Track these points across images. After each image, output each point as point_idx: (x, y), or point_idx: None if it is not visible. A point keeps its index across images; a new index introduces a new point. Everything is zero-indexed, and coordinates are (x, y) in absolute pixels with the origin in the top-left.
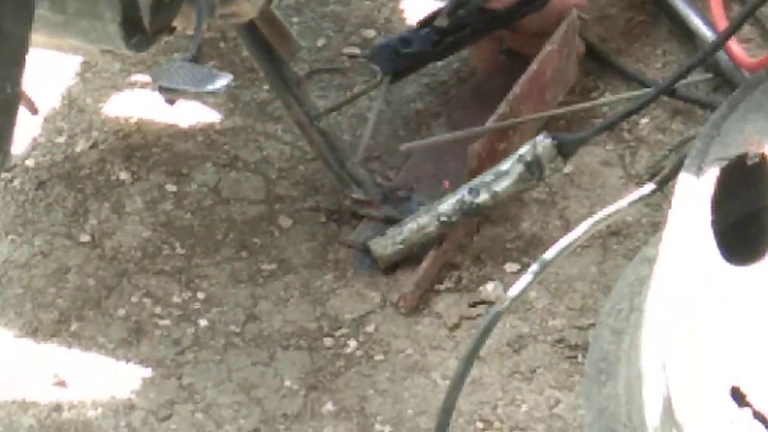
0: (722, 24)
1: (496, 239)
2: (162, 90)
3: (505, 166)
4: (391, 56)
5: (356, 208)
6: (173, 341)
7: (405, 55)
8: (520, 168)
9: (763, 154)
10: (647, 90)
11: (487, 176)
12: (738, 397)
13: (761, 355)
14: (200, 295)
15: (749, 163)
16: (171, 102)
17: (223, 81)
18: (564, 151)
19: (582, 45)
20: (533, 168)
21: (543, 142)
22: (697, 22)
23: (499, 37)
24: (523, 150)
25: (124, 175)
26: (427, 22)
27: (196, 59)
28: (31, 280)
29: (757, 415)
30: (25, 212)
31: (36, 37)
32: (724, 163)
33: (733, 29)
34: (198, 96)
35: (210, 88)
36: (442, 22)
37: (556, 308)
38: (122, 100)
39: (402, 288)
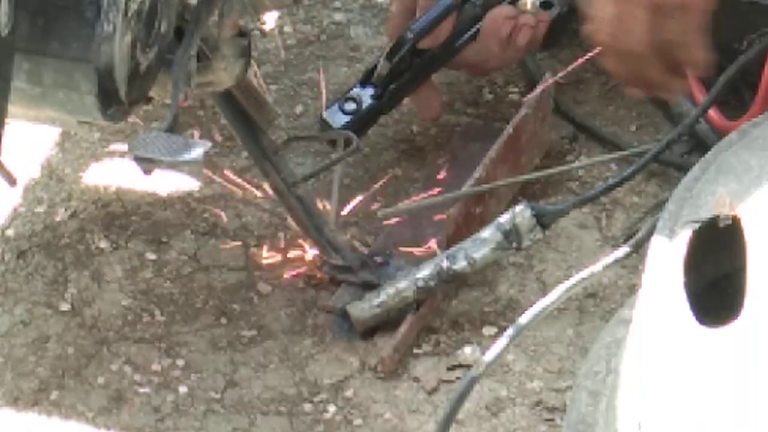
0: (697, 86)
1: (473, 303)
2: (138, 160)
3: (484, 233)
4: (340, 119)
5: (334, 273)
6: (153, 408)
7: (352, 114)
8: (498, 237)
9: (734, 217)
10: (623, 153)
11: (465, 243)
12: None
13: (736, 417)
14: (180, 362)
15: (721, 225)
16: (147, 172)
17: (199, 150)
18: (543, 222)
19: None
20: (512, 237)
21: (522, 213)
22: None
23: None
24: (503, 219)
25: (103, 244)
26: (367, 76)
27: (172, 129)
28: (12, 349)
29: None
30: (6, 282)
31: (13, 108)
32: (697, 226)
33: (713, 99)
34: (174, 165)
35: (186, 157)
36: (383, 70)
37: (534, 371)
38: (101, 170)
39: (380, 352)
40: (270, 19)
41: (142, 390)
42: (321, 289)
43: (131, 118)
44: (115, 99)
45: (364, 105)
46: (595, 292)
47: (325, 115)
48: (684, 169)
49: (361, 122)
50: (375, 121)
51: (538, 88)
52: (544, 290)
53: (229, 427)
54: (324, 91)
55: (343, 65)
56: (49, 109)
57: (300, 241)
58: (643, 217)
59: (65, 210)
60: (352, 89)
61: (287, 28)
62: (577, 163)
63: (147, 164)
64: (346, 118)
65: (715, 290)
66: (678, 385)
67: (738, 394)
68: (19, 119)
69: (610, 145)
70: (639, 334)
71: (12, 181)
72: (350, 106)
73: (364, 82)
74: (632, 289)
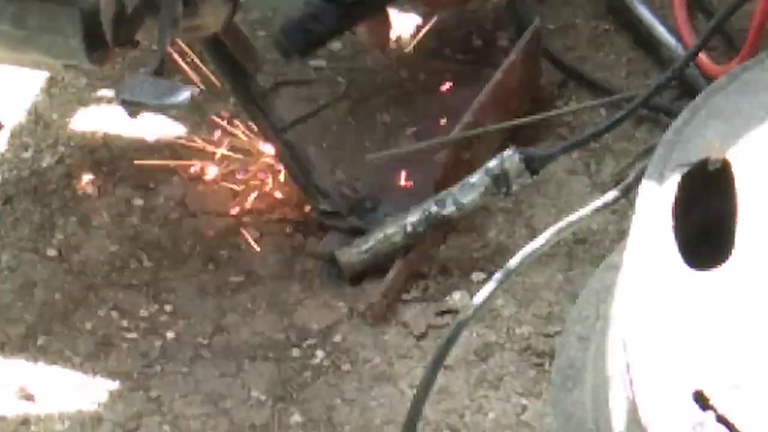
0: (687, 31)
1: (462, 249)
2: (124, 104)
3: (473, 179)
4: (300, 34)
5: (323, 219)
6: (140, 354)
7: (313, 31)
8: (487, 181)
9: (724, 160)
10: (612, 98)
11: (454, 188)
12: (701, 400)
13: (724, 359)
14: (167, 308)
15: (711, 169)
16: (134, 115)
17: (185, 94)
18: (532, 166)
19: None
20: (500, 182)
21: (511, 158)
22: (661, 30)
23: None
24: (491, 164)
25: (90, 190)
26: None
27: (159, 73)
28: None
29: (721, 419)
30: None
31: None
32: (686, 169)
33: (703, 44)
34: (160, 109)
35: (173, 101)
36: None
37: (523, 316)
38: (88, 115)
39: (369, 298)
40: None
41: (129, 335)
42: (309, 235)
43: (118, 65)
44: (100, 42)
45: (325, 24)
46: (584, 237)
47: (283, 30)
48: (673, 114)
49: (315, 38)
50: (331, 39)
51: (526, 34)
52: (533, 236)
53: (216, 372)
54: None
55: None
56: (34, 52)
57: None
58: (632, 163)
59: (52, 156)
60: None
61: None
62: (566, 109)
63: (133, 108)
64: (303, 34)
65: (704, 234)
66: (667, 329)
67: (727, 336)
68: (4, 63)
69: (599, 91)
70: (628, 279)
71: None
72: (311, 24)
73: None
74: (622, 235)
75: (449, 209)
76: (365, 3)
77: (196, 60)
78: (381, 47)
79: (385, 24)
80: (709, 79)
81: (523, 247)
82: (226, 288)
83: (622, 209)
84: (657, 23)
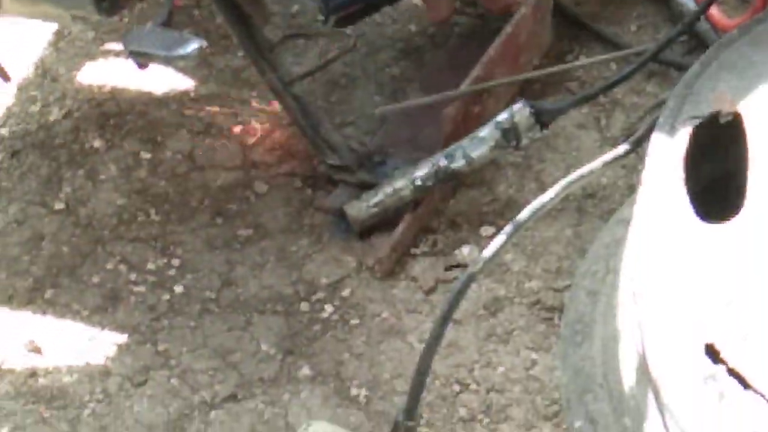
0: None
1: (471, 203)
2: (133, 55)
3: (482, 132)
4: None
5: (331, 173)
6: (148, 307)
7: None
8: (497, 135)
9: (736, 113)
10: (623, 52)
11: (463, 142)
12: (713, 353)
13: (735, 312)
14: (175, 262)
15: (722, 121)
16: (142, 67)
17: (194, 45)
18: (542, 120)
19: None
20: (510, 136)
21: (521, 111)
22: None
23: None
24: (501, 117)
25: (98, 143)
26: None
27: (167, 24)
28: (6, 248)
29: (732, 372)
30: (0, 181)
31: (6, 4)
32: (698, 122)
33: None
34: (168, 60)
35: (181, 52)
36: None
37: (532, 271)
38: (96, 69)
39: (377, 252)
40: None
41: (137, 289)
42: (318, 189)
43: (126, 18)
44: None
45: None
46: (594, 192)
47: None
48: (684, 68)
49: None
50: (378, 9)
51: None
52: (542, 190)
53: (224, 326)
54: None
55: None
56: (43, 3)
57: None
58: (642, 117)
59: (59, 109)
60: None
61: None
62: (576, 63)
63: (142, 59)
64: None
65: (715, 186)
66: (678, 282)
67: (739, 289)
68: (15, 15)
69: (609, 45)
70: (639, 231)
71: (6, 78)
72: None
73: None
74: (631, 189)
75: (458, 163)
76: None
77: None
78: (441, 20)
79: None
80: (721, 33)
81: (533, 201)
82: (235, 242)
83: (632, 164)
84: None
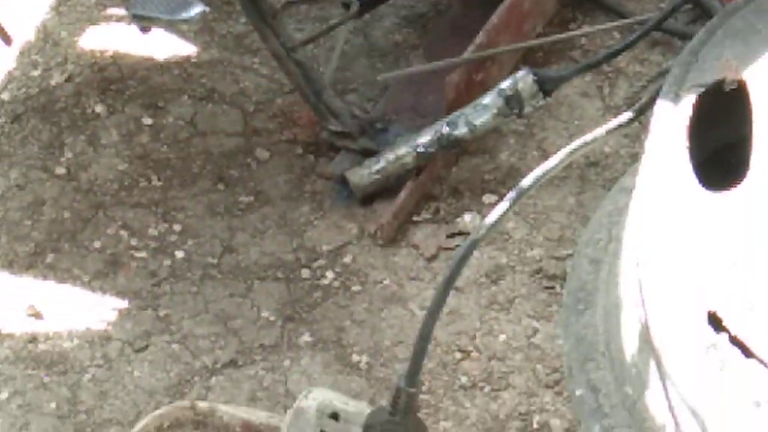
0: None
1: (474, 171)
2: (136, 18)
3: (485, 99)
4: None
5: (333, 139)
6: (150, 273)
7: None
8: (500, 102)
9: (740, 81)
10: (626, 21)
11: (466, 109)
12: (715, 322)
13: (738, 281)
14: (177, 228)
15: (727, 89)
16: (145, 30)
17: (197, 9)
18: (545, 87)
19: None
20: (513, 103)
21: (524, 79)
22: None
23: None
24: (504, 84)
25: (99, 108)
26: None
27: None
28: (7, 212)
29: (734, 340)
30: (1, 145)
31: None
32: (702, 90)
33: None
34: (171, 24)
35: (184, 15)
36: None
37: (534, 239)
38: (98, 34)
39: (379, 219)
40: None
41: (138, 254)
42: (320, 156)
43: None
44: None
45: None
46: (596, 160)
47: None
48: (688, 37)
49: None
50: None
51: None
52: (545, 158)
53: (226, 292)
54: None
55: None
56: None
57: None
58: (646, 86)
59: (61, 74)
60: None
61: None
62: (579, 31)
63: (144, 22)
64: None
65: (719, 155)
66: (681, 251)
67: (741, 258)
68: None
69: (613, 14)
70: (642, 199)
71: (8, 41)
72: None
73: None
74: (634, 158)
75: (461, 130)
76: None
77: None
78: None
79: None
80: (725, 1)
81: (535, 169)
82: (236, 208)
83: (634, 133)
84: None
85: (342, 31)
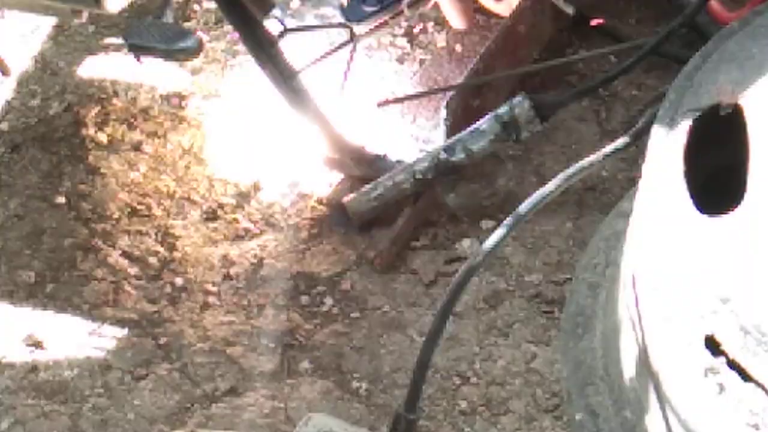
0: None
1: (471, 196)
2: (133, 48)
3: (482, 125)
4: (358, 13)
5: (332, 166)
6: (149, 301)
7: (372, 6)
8: (497, 128)
9: (736, 105)
10: (622, 45)
11: (463, 135)
12: (713, 346)
13: (736, 304)
14: (176, 255)
15: (722, 113)
16: (141, 61)
17: (193, 39)
18: (541, 113)
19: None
20: (510, 129)
21: (521, 104)
22: None
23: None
24: (501, 110)
25: (98, 137)
26: None
27: (167, 18)
28: (6, 242)
29: (732, 364)
30: (0, 175)
31: None
32: (698, 114)
33: None
34: (169, 54)
35: (181, 45)
36: None
37: (533, 264)
38: (96, 63)
39: (378, 245)
40: None
41: (138, 283)
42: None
43: (125, 13)
44: None
45: (385, 3)
46: (594, 185)
47: (344, 3)
48: (684, 61)
49: (379, 19)
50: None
51: None
52: (542, 183)
53: (225, 319)
54: None
55: None
56: None
57: None
58: (642, 110)
59: (59, 103)
60: None
61: None
62: (576, 56)
63: (141, 52)
64: (366, 11)
65: (715, 179)
66: (679, 275)
67: (739, 282)
68: (13, 8)
69: (609, 38)
70: (639, 223)
71: (6, 72)
72: (370, 2)
73: None
74: (631, 182)
75: (459, 156)
76: None
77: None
78: (462, 25)
79: (466, 1)
80: (721, 25)
81: (533, 194)
82: (235, 235)
83: (631, 157)
84: None
85: (350, 57)
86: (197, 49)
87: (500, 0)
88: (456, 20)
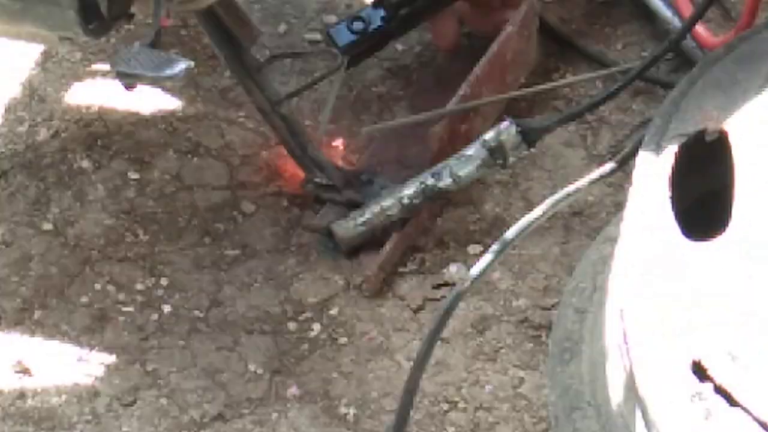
0: (684, 4)
1: (459, 221)
2: (120, 75)
3: (469, 150)
4: (345, 37)
5: (319, 192)
6: (137, 327)
7: (359, 33)
8: (484, 154)
9: (722, 131)
10: (609, 70)
11: (450, 160)
12: (699, 371)
13: (722, 330)
14: (164, 281)
15: (708, 139)
16: (130, 88)
17: (182, 66)
18: (528, 138)
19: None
20: (497, 154)
21: (508, 130)
22: (657, 2)
23: (460, 16)
24: (488, 136)
25: (86, 164)
26: (380, 0)
27: (154, 44)
28: None
29: (719, 389)
30: None
31: None
32: (684, 140)
33: (699, 15)
34: (157, 81)
35: (169, 72)
36: None
37: (520, 289)
38: (83, 89)
39: (365, 271)
40: None
41: (125, 309)
42: (305, 208)
43: (113, 39)
44: (96, 14)
45: (372, 27)
46: (580, 210)
47: (331, 31)
48: (670, 86)
49: (367, 44)
50: (383, 46)
51: (523, 6)
52: (529, 208)
53: (213, 345)
54: None
55: None
56: (30, 24)
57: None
58: (629, 135)
59: (47, 130)
60: (363, 9)
61: None
62: (562, 81)
63: (129, 80)
64: (352, 38)
65: (701, 204)
66: (665, 300)
67: (725, 307)
68: (0, 36)
69: (595, 63)
70: (626, 249)
71: None
72: (358, 25)
73: (377, 4)
74: (618, 207)
75: (446, 181)
76: (418, 6)
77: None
78: (448, 49)
79: (452, 23)
80: (707, 50)
81: (520, 219)
82: (223, 261)
83: (618, 181)
84: None
85: (335, 84)
86: (185, 77)
87: (487, 23)
88: (443, 42)
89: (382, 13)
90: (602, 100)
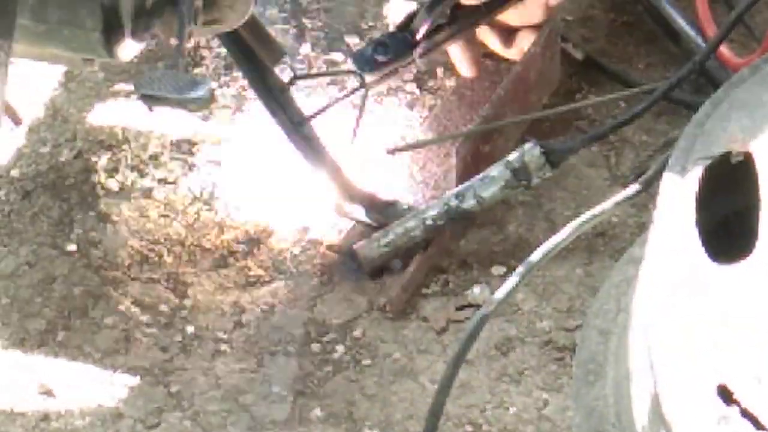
0: (708, 24)
1: (482, 242)
2: (144, 98)
3: (493, 171)
4: (369, 62)
5: (342, 213)
6: (161, 349)
7: (382, 56)
8: (507, 175)
9: (747, 153)
10: (632, 91)
11: (474, 181)
12: (725, 395)
13: (748, 353)
14: (187, 303)
15: (733, 161)
16: (151, 108)
17: (206, 88)
18: (552, 159)
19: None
20: (521, 175)
21: (531, 151)
22: (681, 22)
23: (481, 42)
24: (512, 157)
25: (109, 184)
26: (404, 25)
27: (178, 66)
28: (18, 290)
29: (745, 413)
30: (11, 222)
31: (18, 46)
32: (708, 162)
33: (723, 35)
34: (181, 103)
35: (193, 95)
36: (418, 24)
37: (544, 310)
38: (106, 109)
39: (389, 292)
40: None
41: (149, 330)
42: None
43: (136, 59)
44: (120, 36)
45: (396, 53)
46: (604, 231)
47: (354, 54)
48: (694, 107)
49: (390, 67)
50: (403, 68)
51: (545, 27)
52: (553, 229)
53: (236, 367)
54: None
55: (350, 4)
56: (53, 46)
57: None
58: (652, 156)
59: (70, 150)
60: (386, 33)
61: None
62: (585, 102)
63: (153, 102)
64: (375, 60)
65: (727, 227)
66: (690, 323)
67: (751, 330)
68: (24, 57)
69: (618, 83)
70: (651, 271)
71: (17, 121)
72: (381, 50)
73: (401, 29)
74: (642, 227)
75: (469, 203)
76: (440, 32)
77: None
78: (471, 73)
79: (474, 51)
80: (731, 71)
81: (543, 240)
82: (246, 282)
83: (642, 202)
84: (677, 15)
85: (362, 106)
86: (209, 99)
87: (510, 46)
88: (465, 68)
89: (406, 38)
90: (626, 121)
